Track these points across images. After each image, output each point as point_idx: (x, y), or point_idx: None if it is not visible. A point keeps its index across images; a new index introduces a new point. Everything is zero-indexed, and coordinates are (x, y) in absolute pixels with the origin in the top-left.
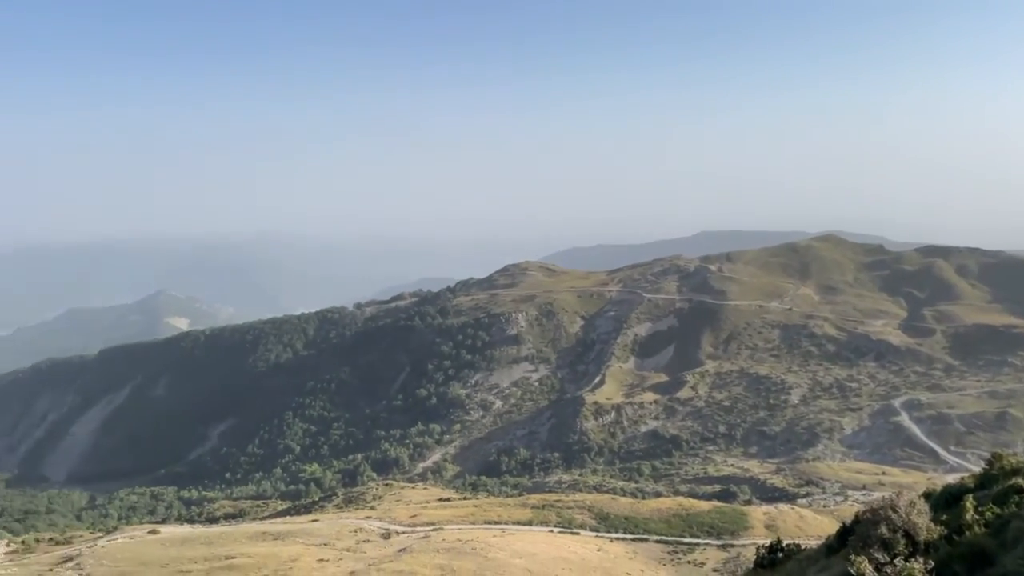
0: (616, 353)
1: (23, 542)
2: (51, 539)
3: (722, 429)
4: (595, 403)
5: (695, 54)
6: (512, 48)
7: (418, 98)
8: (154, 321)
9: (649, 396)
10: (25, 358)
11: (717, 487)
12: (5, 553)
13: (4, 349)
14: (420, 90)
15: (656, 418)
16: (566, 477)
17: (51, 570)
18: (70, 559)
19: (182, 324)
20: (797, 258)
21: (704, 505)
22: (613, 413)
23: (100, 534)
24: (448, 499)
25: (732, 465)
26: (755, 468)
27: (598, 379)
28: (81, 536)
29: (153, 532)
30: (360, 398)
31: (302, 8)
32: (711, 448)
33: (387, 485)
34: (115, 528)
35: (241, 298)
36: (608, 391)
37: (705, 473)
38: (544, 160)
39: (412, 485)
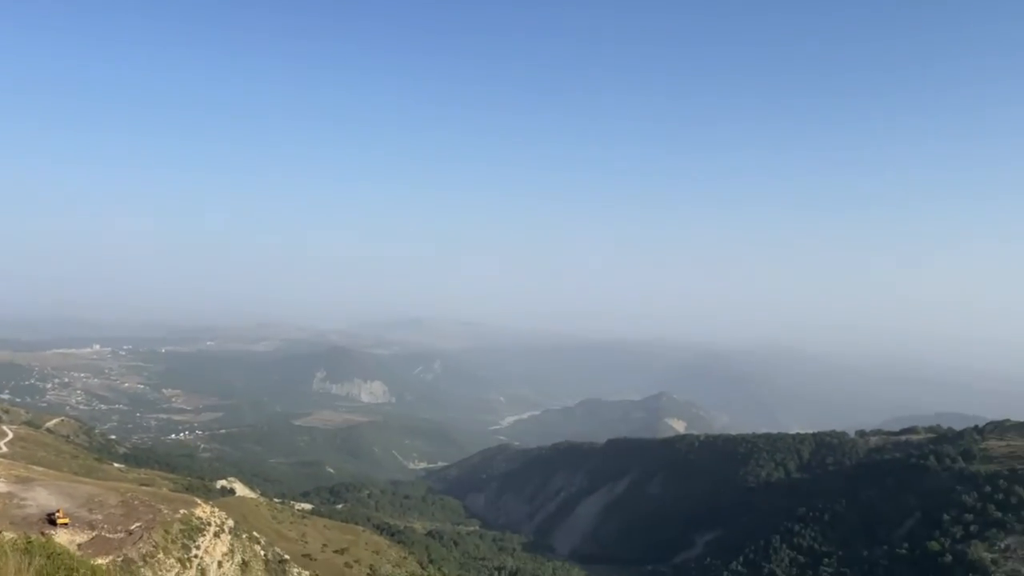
0: None
1: None
2: None
3: None
4: None
5: None
6: None
7: None
8: (654, 420)
9: None
10: (548, 437)
11: None
12: None
13: (534, 427)
14: None
15: None
16: None
17: None
18: None
19: (679, 426)
20: None
21: None
22: None
23: None
24: None
25: None
26: None
27: None
28: None
29: None
30: (856, 537)
31: None
32: None
33: None
34: None
35: (736, 408)
36: None
37: None
38: None
39: None
